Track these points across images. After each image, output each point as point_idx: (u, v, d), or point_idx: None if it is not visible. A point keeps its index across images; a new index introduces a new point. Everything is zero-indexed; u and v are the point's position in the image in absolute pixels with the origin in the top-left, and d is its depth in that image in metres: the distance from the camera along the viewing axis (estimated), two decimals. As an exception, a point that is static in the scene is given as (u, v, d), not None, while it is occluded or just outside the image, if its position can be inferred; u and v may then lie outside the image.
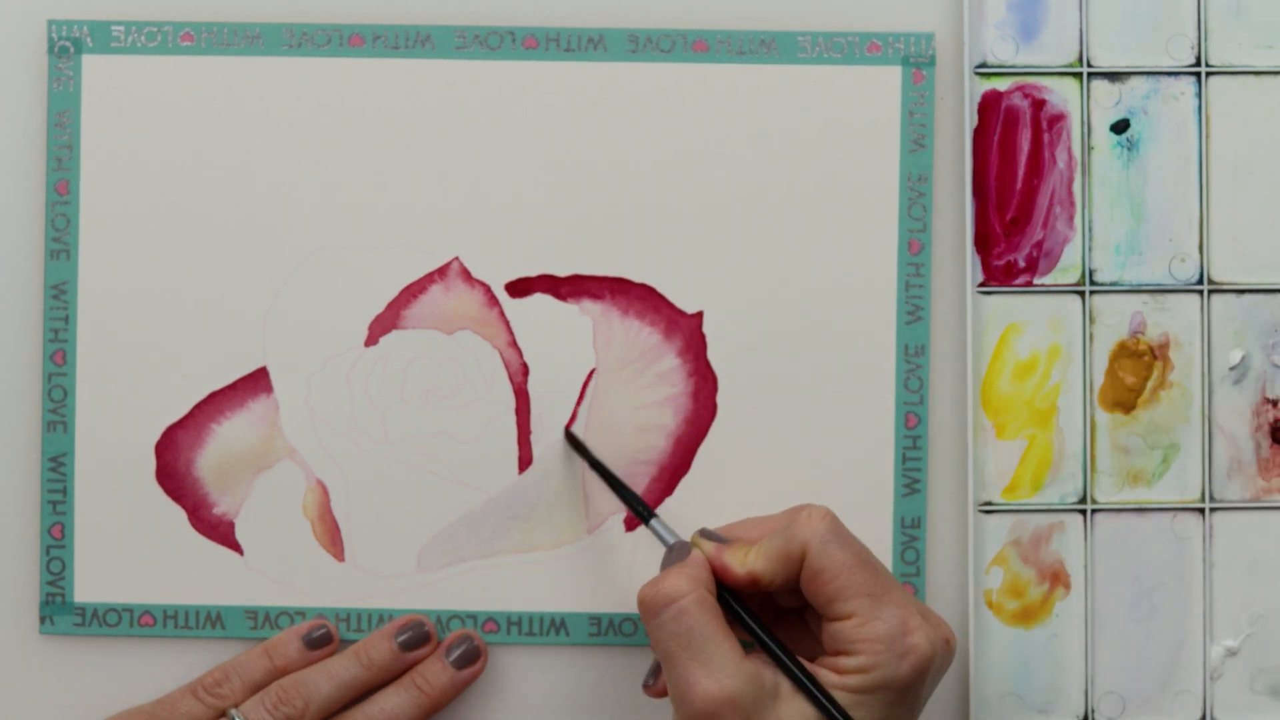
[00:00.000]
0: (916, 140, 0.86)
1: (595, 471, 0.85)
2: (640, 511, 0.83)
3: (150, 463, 0.87)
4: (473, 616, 0.87)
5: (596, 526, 0.87)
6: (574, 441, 0.86)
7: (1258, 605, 0.86)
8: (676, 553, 0.81)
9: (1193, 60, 0.86)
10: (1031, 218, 0.86)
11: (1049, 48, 0.86)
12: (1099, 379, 0.87)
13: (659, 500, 0.87)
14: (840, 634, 0.77)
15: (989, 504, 0.86)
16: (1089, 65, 0.86)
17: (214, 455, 0.87)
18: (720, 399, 0.87)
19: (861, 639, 0.76)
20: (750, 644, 0.79)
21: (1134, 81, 0.86)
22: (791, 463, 0.87)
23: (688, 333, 0.87)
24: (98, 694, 0.87)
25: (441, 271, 0.87)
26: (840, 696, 0.76)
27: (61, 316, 0.86)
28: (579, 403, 0.87)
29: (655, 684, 0.83)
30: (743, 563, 0.79)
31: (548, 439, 0.87)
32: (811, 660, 0.78)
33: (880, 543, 0.86)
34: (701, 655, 0.76)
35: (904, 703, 0.77)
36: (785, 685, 0.77)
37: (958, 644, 0.86)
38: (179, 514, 0.87)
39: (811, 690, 0.76)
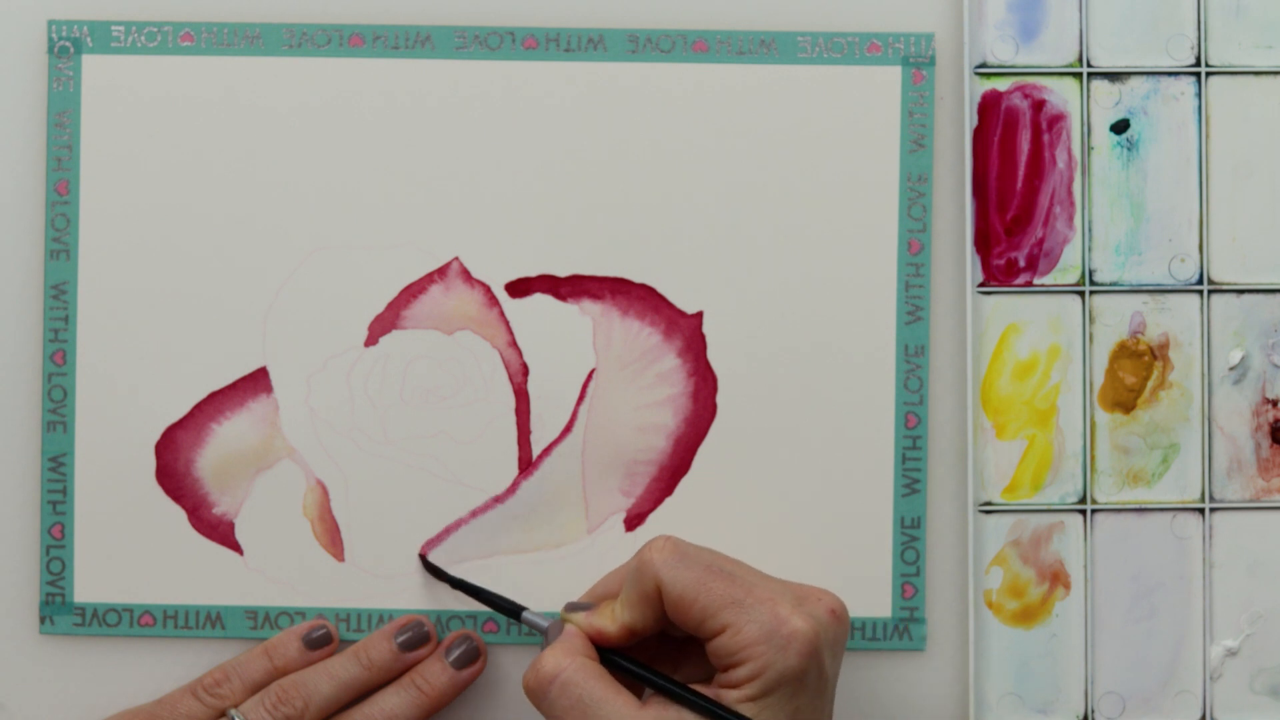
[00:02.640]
0: (916, 140, 0.86)
1: (460, 590, 0.86)
2: (509, 609, 0.84)
3: (150, 463, 0.87)
4: (473, 617, 0.87)
5: (596, 526, 0.87)
6: (430, 567, 0.87)
7: (1258, 605, 0.87)
8: (551, 634, 0.81)
9: (1193, 60, 0.86)
10: (1031, 218, 0.86)
11: (1049, 48, 0.87)
12: (1099, 379, 0.87)
13: (659, 500, 0.87)
14: (721, 649, 0.77)
15: (989, 504, 0.86)
16: (1089, 65, 0.86)
17: (214, 455, 0.87)
18: (720, 399, 0.87)
19: (741, 646, 0.76)
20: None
21: (1134, 81, 0.86)
22: (791, 463, 0.87)
23: (688, 333, 0.87)
24: (98, 694, 0.87)
25: (441, 271, 0.87)
26: (745, 708, 0.76)
27: (61, 316, 0.86)
28: (579, 403, 0.87)
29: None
30: (613, 619, 0.79)
31: (548, 439, 0.87)
32: (709, 681, 0.78)
33: (880, 543, 0.86)
34: (600, 717, 0.76)
35: (807, 689, 0.77)
36: (689, 718, 0.77)
37: (958, 644, 0.86)
38: (179, 514, 0.87)
39: (718, 715, 0.77)
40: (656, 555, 0.78)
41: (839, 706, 0.87)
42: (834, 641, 0.77)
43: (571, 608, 0.81)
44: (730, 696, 0.76)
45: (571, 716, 0.77)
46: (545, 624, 0.82)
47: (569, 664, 0.77)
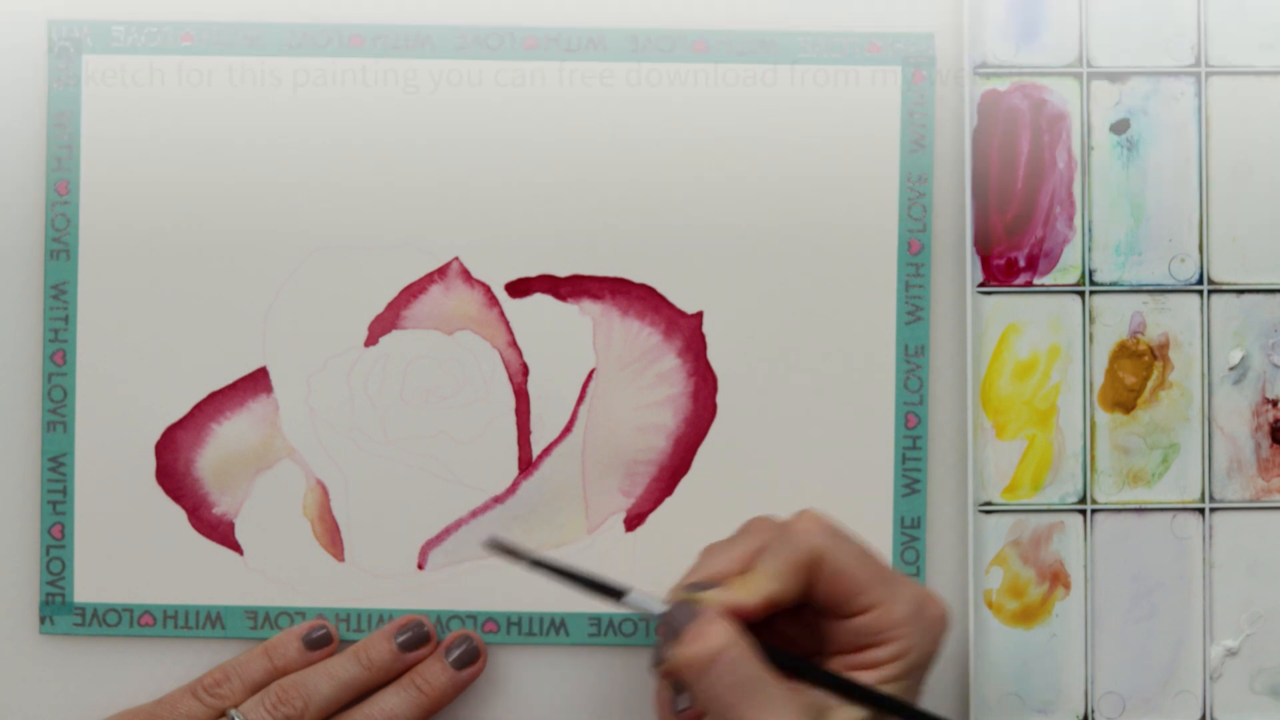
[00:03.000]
0: (916, 140, 0.86)
1: (540, 571, 0.80)
2: (609, 591, 0.79)
3: (150, 463, 0.87)
4: (473, 616, 0.87)
5: (596, 526, 0.87)
6: (502, 547, 0.80)
7: (1258, 605, 0.86)
8: (678, 614, 0.77)
9: (1193, 60, 0.86)
10: (1032, 218, 0.86)
11: (1049, 48, 0.86)
12: (1099, 379, 0.87)
13: (659, 500, 0.87)
14: (866, 627, 0.76)
15: (989, 504, 0.86)
16: (1089, 65, 0.86)
17: (214, 455, 0.87)
18: (720, 399, 0.87)
19: (890, 625, 0.76)
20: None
21: (1134, 81, 0.86)
22: (791, 463, 0.87)
23: (688, 333, 0.87)
24: (98, 694, 0.87)
25: (441, 272, 0.87)
26: (884, 690, 0.76)
27: (61, 316, 0.86)
28: (579, 403, 0.87)
29: (688, 710, 0.80)
30: (754, 592, 0.76)
31: (548, 439, 0.87)
32: (830, 660, 0.78)
33: (880, 543, 0.86)
34: (760, 700, 0.74)
35: (926, 675, 0.78)
36: (828, 700, 0.76)
37: (957, 644, 0.86)
38: (179, 514, 0.87)
39: (871, 696, 0.76)
40: (814, 525, 0.77)
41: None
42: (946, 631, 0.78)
43: (695, 587, 0.77)
44: (866, 677, 0.76)
45: (731, 696, 0.74)
46: (660, 607, 0.77)
47: (735, 643, 0.75)
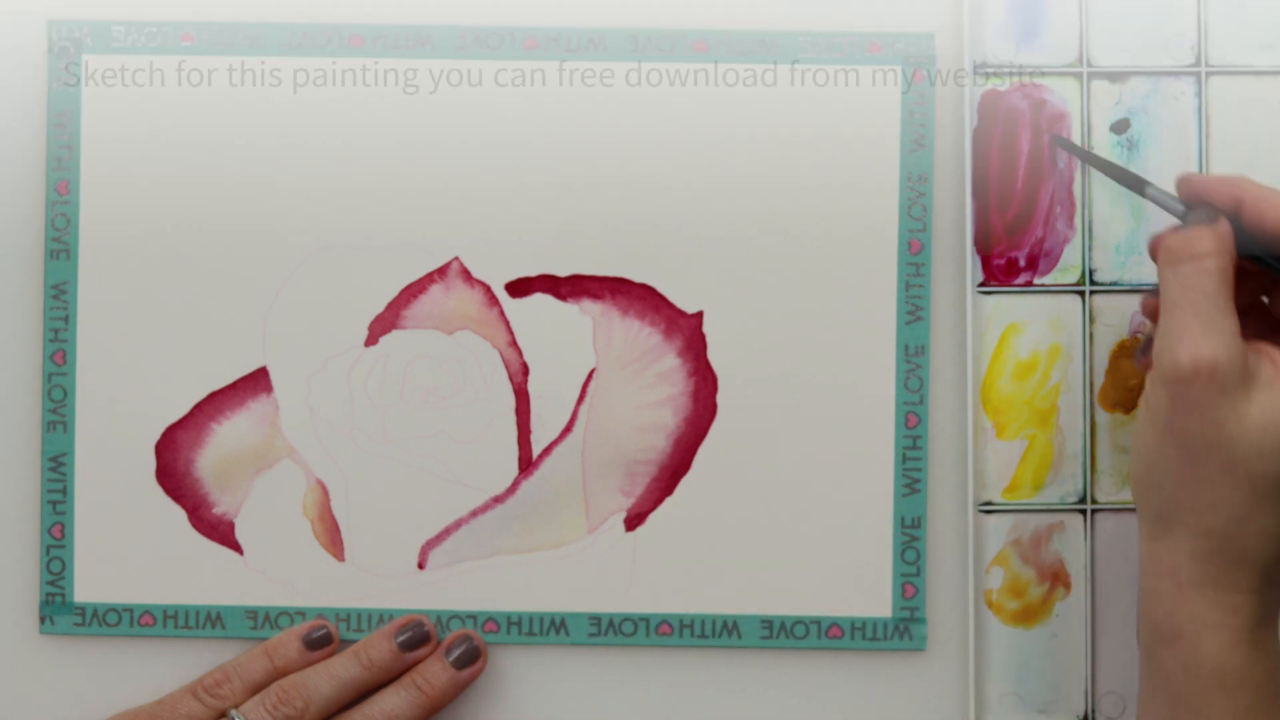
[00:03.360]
0: (916, 140, 0.86)
1: (1090, 164, 0.84)
2: (1135, 183, 0.82)
3: (150, 462, 0.87)
4: (473, 616, 0.87)
5: (597, 526, 0.87)
6: (1065, 143, 0.85)
7: (1258, 605, 0.87)
8: (1196, 217, 0.77)
9: (1193, 60, 0.86)
10: (1032, 218, 0.86)
11: (1049, 48, 0.86)
12: (1099, 379, 0.86)
13: (659, 500, 0.87)
14: None
15: (989, 504, 0.86)
16: (1089, 65, 0.86)
17: (214, 455, 0.87)
18: (720, 399, 0.87)
19: None
20: None
21: (1134, 81, 0.86)
22: (791, 463, 0.86)
23: (688, 333, 0.87)
24: (98, 694, 0.87)
25: (441, 271, 0.87)
26: None
27: (61, 316, 0.86)
28: (579, 403, 0.87)
29: (1145, 359, 0.79)
30: (1231, 185, 0.78)
31: (548, 439, 0.87)
32: None
33: (880, 542, 0.86)
34: (1204, 316, 0.74)
35: None
36: (1267, 372, 0.74)
37: (958, 644, 0.86)
38: (179, 514, 0.87)
39: None
40: None
41: (837, 709, 0.87)
42: None
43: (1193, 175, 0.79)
44: None
45: (1187, 296, 0.74)
46: (1180, 206, 0.80)
47: (1218, 255, 0.75)
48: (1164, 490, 0.75)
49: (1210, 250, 0.75)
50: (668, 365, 0.87)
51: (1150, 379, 0.75)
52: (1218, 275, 0.74)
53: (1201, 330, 0.73)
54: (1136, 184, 0.82)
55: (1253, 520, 0.73)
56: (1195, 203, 0.79)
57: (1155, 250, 0.77)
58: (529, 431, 0.87)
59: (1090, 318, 0.86)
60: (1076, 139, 0.86)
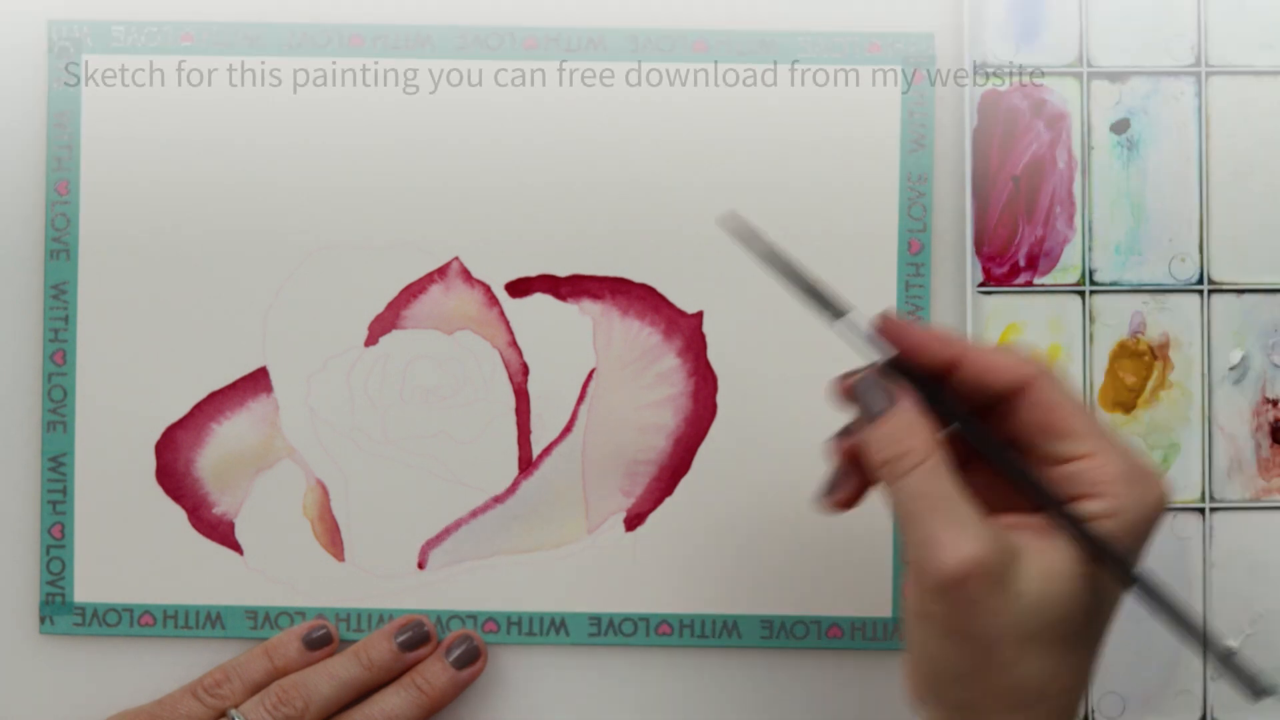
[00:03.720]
0: (916, 140, 0.86)
1: (767, 264, 0.76)
2: (833, 311, 0.74)
3: (150, 462, 0.87)
4: (473, 616, 0.87)
5: (597, 526, 0.87)
6: (739, 228, 0.77)
7: (1258, 605, 0.86)
8: (872, 392, 0.73)
9: (1193, 60, 0.86)
10: (1032, 218, 0.86)
11: (1049, 48, 0.86)
12: (1099, 379, 0.86)
13: (659, 500, 0.87)
14: (1075, 477, 0.71)
15: (989, 504, 0.86)
16: (1089, 65, 0.86)
17: (214, 455, 0.87)
18: (720, 399, 0.87)
19: (1102, 480, 0.70)
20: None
21: (1134, 81, 0.86)
22: (791, 462, 0.86)
23: (688, 333, 0.87)
24: (98, 694, 0.87)
25: (441, 271, 0.87)
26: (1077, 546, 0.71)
27: (61, 316, 0.86)
28: (579, 402, 0.87)
29: (837, 494, 0.77)
30: (948, 344, 0.73)
31: (548, 439, 0.87)
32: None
33: (880, 542, 0.86)
34: (948, 517, 0.70)
35: (1141, 548, 0.72)
36: (1025, 542, 0.71)
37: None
38: (179, 514, 0.87)
39: (1072, 525, 0.71)
40: (1044, 362, 0.72)
41: (837, 709, 0.87)
42: (1162, 518, 0.72)
43: (896, 365, 0.73)
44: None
45: (922, 506, 0.70)
46: (877, 356, 0.73)
47: (935, 451, 0.71)
48: (962, 685, 0.72)
49: (925, 448, 0.71)
50: (668, 365, 0.87)
51: (915, 589, 0.72)
52: (943, 470, 0.71)
53: (953, 534, 0.70)
54: (830, 309, 0.75)
55: (1056, 681, 0.72)
56: (869, 376, 0.74)
57: (843, 395, 0.74)
58: (529, 431, 0.87)
59: (1090, 318, 0.86)
60: (1076, 139, 0.86)
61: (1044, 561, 0.70)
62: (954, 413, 0.73)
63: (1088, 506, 0.70)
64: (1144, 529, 0.71)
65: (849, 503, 0.76)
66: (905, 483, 0.71)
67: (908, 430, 0.72)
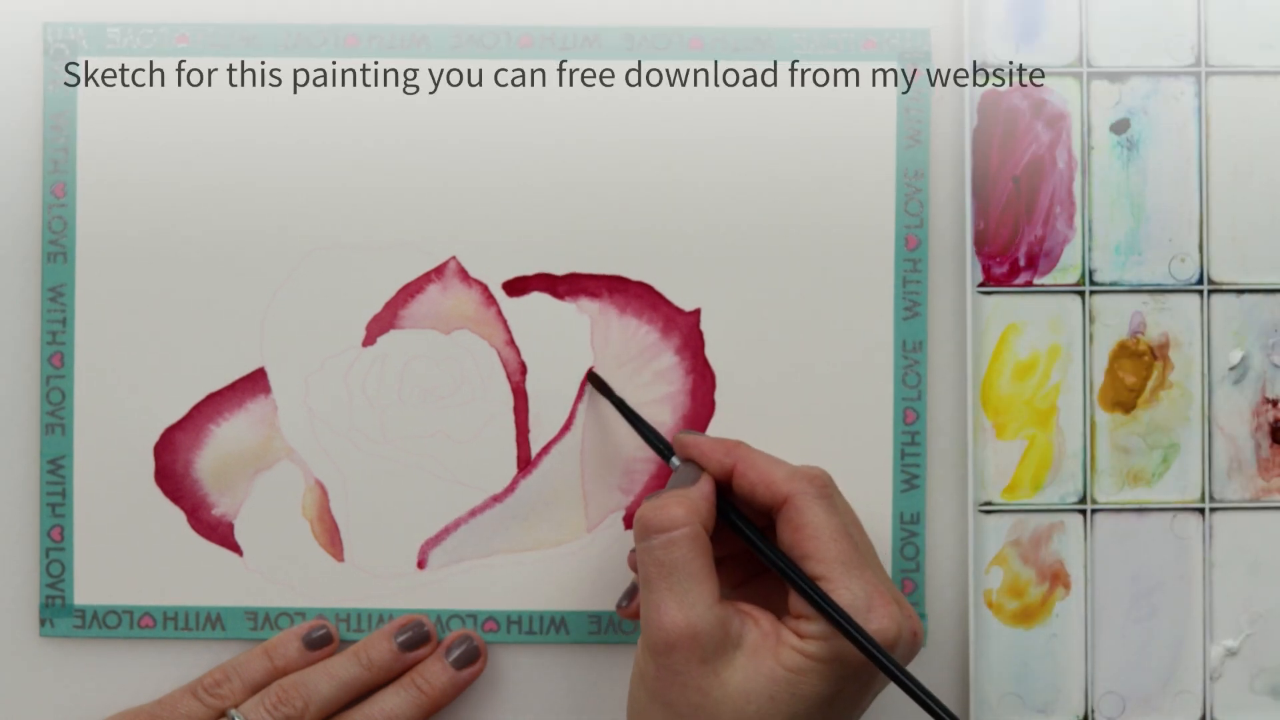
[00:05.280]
0: (913, 136, 0.86)
1: (620, 411, 0.85)
2: (664, 452, 0.83)
3: (149, 464, 0.87)
4: (473, 616, 0.87)
5: (596, 525, 0.87)
6: (598, 383, 0.86)
7: (1258, 605, 0.87)
8: (681, 475, 0.80)
9: (1193, 60, 0.86)
10: (1031, 218, 0.86)
11: (1049, 48, 0.86)
12: (1099, 379, 0.86)
13: (658, 498, 0.87)
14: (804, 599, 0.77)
15: (989, 504, 0.86)
16: (1089, 65, 0.86)
17: (212, 456, 0.87)
18: (718, 396, 0.87)
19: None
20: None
21: (1134, 81, 0.86)
22: (790, 459, 0.86)
23: (685, 330, 0.87)
24: (98, 696, 0.87)
25: (439, 271, 0.87)
26: (797, 661, 0.75)
27: (59, 319, 0.86)
28: (577, 401, 0.87)
29: (629, 605, 0.83)
30: (728, 451, 0.80)
31: (546, 438, 0.87)
32: (778, 619, 0.78)
33: (880, 538, 0.86)
34: (679, 588, 0.76)
35: (857, 679, 0.77)
36: (751, 638, 0.76)
37: (957, 644, 0.86)
38: (178, 515, 0.87)
39: (809, 596, 0.76)
40: (809, 481, 0.78)
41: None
42: (902, 658, 0.77)
43: (692, 467, 0.81)
44: (789, 640, 0.76)
45: (658, 570, 0.76)
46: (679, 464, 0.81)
47: (687, 526, 0.77)
48: None
49: (679, 520, 0.77)
50: (665, 363, 0.87)
51: (640, 645, 0.78)
52: (688, 544, 0.76)
53: (677, 603, 0.76)
54: (663, 449, 0.83)
55: None
56: (686, 465, 0.81)
57: (633, 522, 0.79)
58: (527, 430, 0.87)
59: (1090, 318, 0.86)
60: (1076, 139, 0.86)
61: (758, 660, 0.76)
62: (725, 505, 0.80)
63: (804, 626, 0.76)
64: (854, 663, 0.76)
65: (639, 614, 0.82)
66: (650, 544, 0.77)
67: (676, 501, 0.78)
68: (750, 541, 0.79)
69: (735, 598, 0.79)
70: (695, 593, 0.76)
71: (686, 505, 0.77)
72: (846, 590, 0.76)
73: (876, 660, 0.74)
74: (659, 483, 0.87)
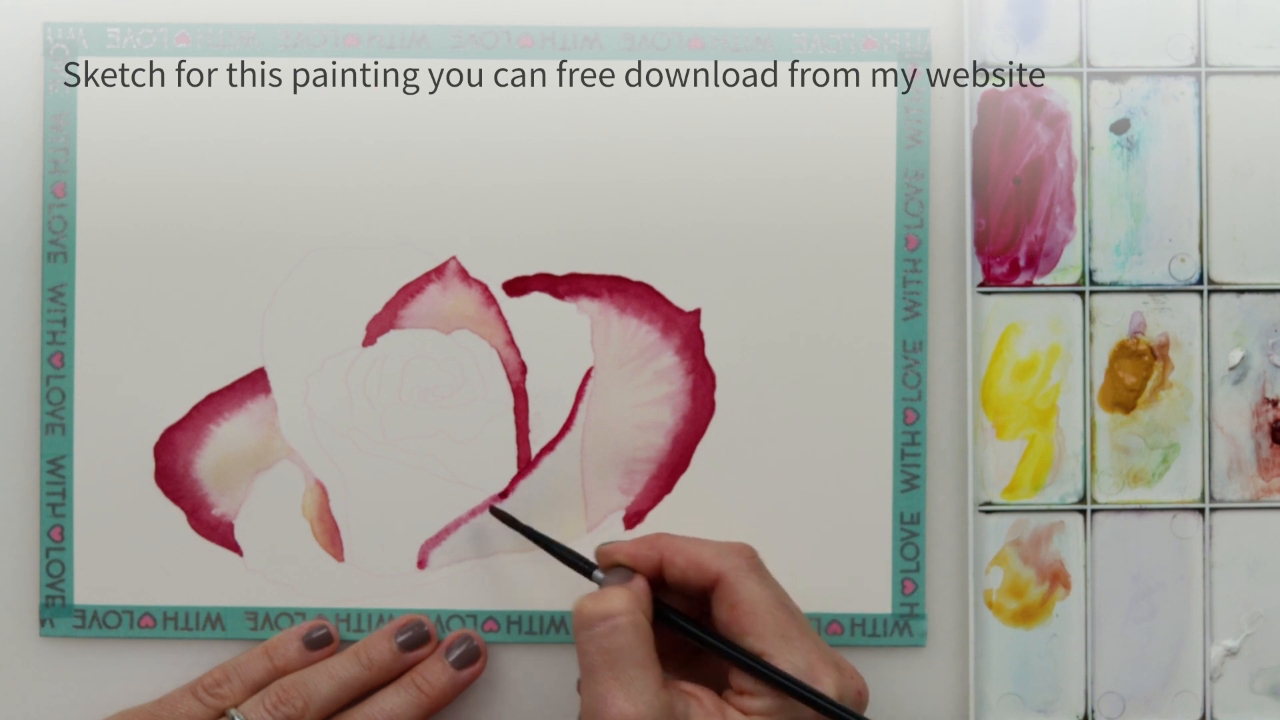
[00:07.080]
0: (912, 136, 0.86)
1: (531, 539, 0.84)
2: (584, 568, 0.83)
3: (149, 464, 0.87)
4: (473, 616, 0.87)
5: (596, 525, 0.87)
6: (503, 517, 0.86)
7: (1258, 605, 0.87)
8: (612, 579, 0.81)
9: (1193, 60, 0.86)
10: (1031, 218, 0.86)
11: (1049, 48, 0.86)
12: (1099, 379, 0.86)
13: (658, 498, 0.87)
14: (746, 673, 0.78)
15: (989, 504, 0.86)
16: (1089, 65, 0.86)
17: (213, 456, 0.87)
18: (719, 396, 0.87)
19: (766, 681, 0.77)
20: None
21: (1134, 81, 0.86)
22: (790, 459, 0.86)
23: (685, 330, 0.87)
24: (98, 696, 0.87)
25: (439, 271, 0.87)
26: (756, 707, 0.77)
27: (59, 319, 0.86)
28: (577, 401, 0.87)
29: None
30: (651, 547, 0.81)
31: (546, 438, 0.87)
32: (719, 696, 0.79)
33: (880, 538, 0.86)
34: (624, 677, 0.77)
35: None
36: (695, 717, 0.78)
37: (957, 644, 0.86)
38: (178, 515, 0.87)
39: (757, 672, 0.77)
40: (737, 556, 0.79)
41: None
42: None
43: (621, 570, 0.81)
44: (734, 717, 0.77)
45: (602, 659, 0.77)
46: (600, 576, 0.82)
47: (629, 613, 0.77)
48: None
49: (621, 609, 0.78)
50: (666, 363, 0.87)
51: None
52: (631, 631, 0.77)
53: (623, 692, 0.76)
54: (583, 566, 0.83)
55: None
56: (618, 567, 0.82)
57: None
58: (527, 430, 0.87)
59: (1090, 318, 0.86)
60: (1076, 139, 0.86)
61: None
62: (660, 606, 0.80)
63: (749, 702, 0.77)
64: None
65: None
66: (593, 632, 0.77)
67: (613, 594, 0.78)
68: (691, 634, 0.80)
69: (676, 678, 0.80)
70: (641, 681, 0.76)
71: (627, 594, 0.78)
72: (788, 663, 0.77)
73: (836, 716, 0.76)
74: (659, 483, 0.87)
